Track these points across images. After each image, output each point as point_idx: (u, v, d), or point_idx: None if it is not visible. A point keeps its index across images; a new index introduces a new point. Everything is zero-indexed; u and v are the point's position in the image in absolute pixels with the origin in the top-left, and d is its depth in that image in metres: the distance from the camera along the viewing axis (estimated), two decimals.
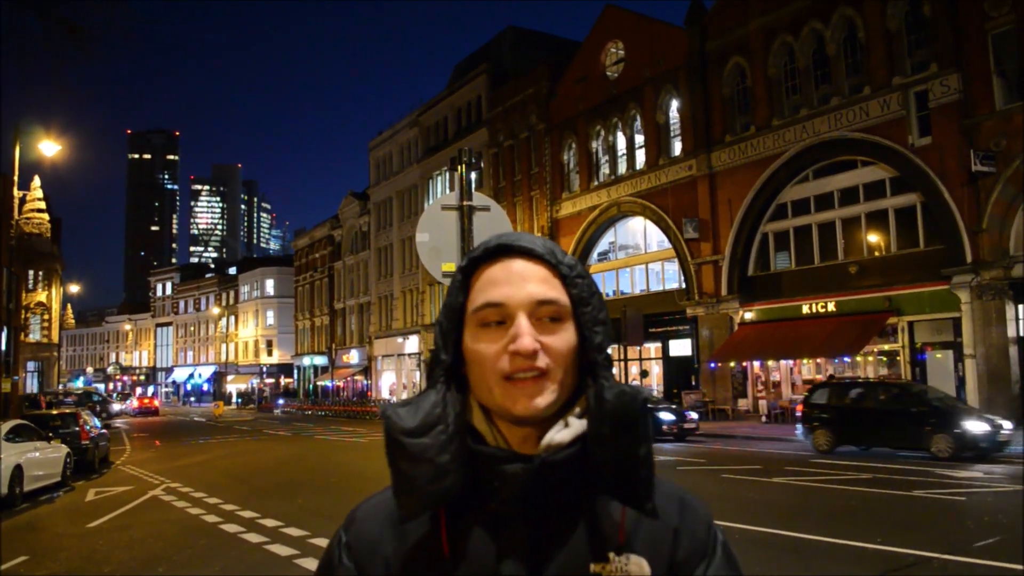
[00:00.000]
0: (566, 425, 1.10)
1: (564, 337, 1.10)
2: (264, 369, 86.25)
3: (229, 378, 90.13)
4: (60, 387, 66.39)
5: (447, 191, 51.08)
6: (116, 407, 65.13)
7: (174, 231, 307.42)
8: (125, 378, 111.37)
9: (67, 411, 22.92)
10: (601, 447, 1.06)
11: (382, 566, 1.14)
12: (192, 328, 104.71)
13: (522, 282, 1.10)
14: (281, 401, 61.54)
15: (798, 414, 21.23)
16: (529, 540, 1.09)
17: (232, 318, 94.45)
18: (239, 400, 76.50)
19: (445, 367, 1.14)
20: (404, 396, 52.87)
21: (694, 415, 25.71)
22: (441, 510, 1.12)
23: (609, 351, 1.13)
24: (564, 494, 1.10)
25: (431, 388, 1.13)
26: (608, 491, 1.08)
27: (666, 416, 24.28)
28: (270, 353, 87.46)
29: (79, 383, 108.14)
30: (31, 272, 51.60)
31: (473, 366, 1.12)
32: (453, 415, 1.10)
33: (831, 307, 27.76)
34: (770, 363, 30.52)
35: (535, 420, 1.09)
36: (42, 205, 48.60)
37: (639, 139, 36.51)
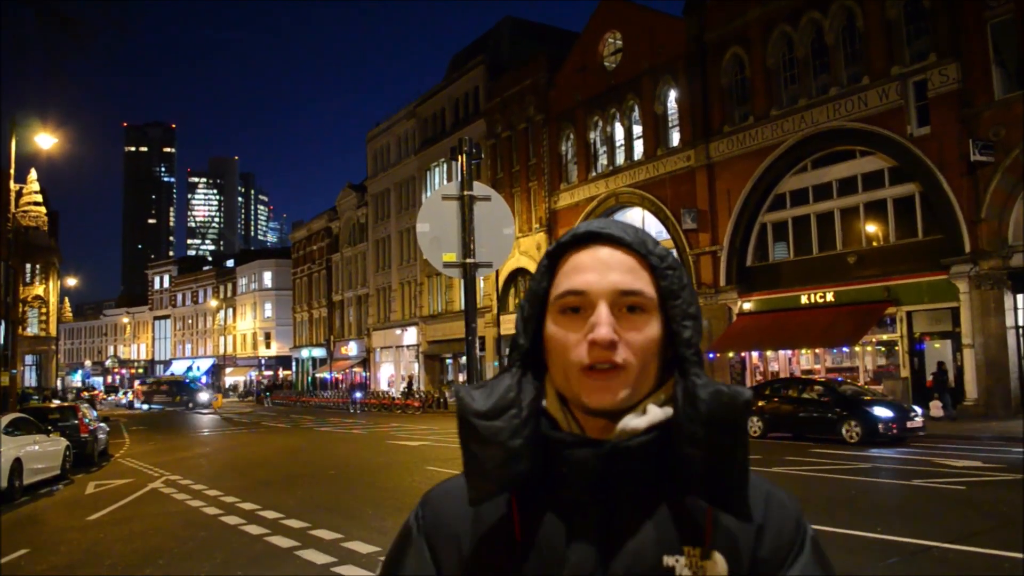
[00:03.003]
0: (643, 412, 1.08)
1: (646, 330, 1.08)
2: (262, 361, 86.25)
3: (228, 371, 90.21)
4: (58, 382, 65.99)
5: (445, 182, 50.88)
6: (204, 397, 61.58)
7: (171, 224, 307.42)
8: (123, 371, 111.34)
9: (66, 404, 22.94)
10: (692, 447, 1.02)
11: (454, 547, 1.14)
12: (190, 321, 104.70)
13: (607, 271, 1.08)
14: (358, 395, 50.42)
15: None
16: (600, 528, 1.07)
17: (230, 311, 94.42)
18: (267, 393, 67.30)
19: (522, 352, 1.13)
20: (403, 387, 52.88)
21: (918, 409, 19.83)
22: (513, 495, 1.12)
23: (699, 346, 1.09)
24: (640, 483, 1.08)
25: (506, 372, 1.13)
26: (697, 492, 1.05)
27: (882, 412, 18.68)
28: (268, 345, 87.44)
29: (77, 377, 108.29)
30: (28, 265, 51.55)
31: (552, 353, 1.10)
32: (527, 400, 1.10)
33: (830, 297, 27.75)
34: (769, 353, 30.53)
35: (609, 413, 1.07)
36: (39, 198, 48.50)
37: (637, 130, 36.44)
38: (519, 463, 1.06)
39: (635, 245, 1.11)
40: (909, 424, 18.74)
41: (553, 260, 1.13)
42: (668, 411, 1.07)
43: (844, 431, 18.82)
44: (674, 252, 27.71)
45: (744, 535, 1.08)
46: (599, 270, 1.08)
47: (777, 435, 20.73)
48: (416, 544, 1.17)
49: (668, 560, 1.05)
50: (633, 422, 1.06)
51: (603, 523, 1.07)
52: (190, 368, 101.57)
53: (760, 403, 21.25)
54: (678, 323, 1.09)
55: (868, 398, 19.78)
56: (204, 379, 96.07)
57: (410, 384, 50.74)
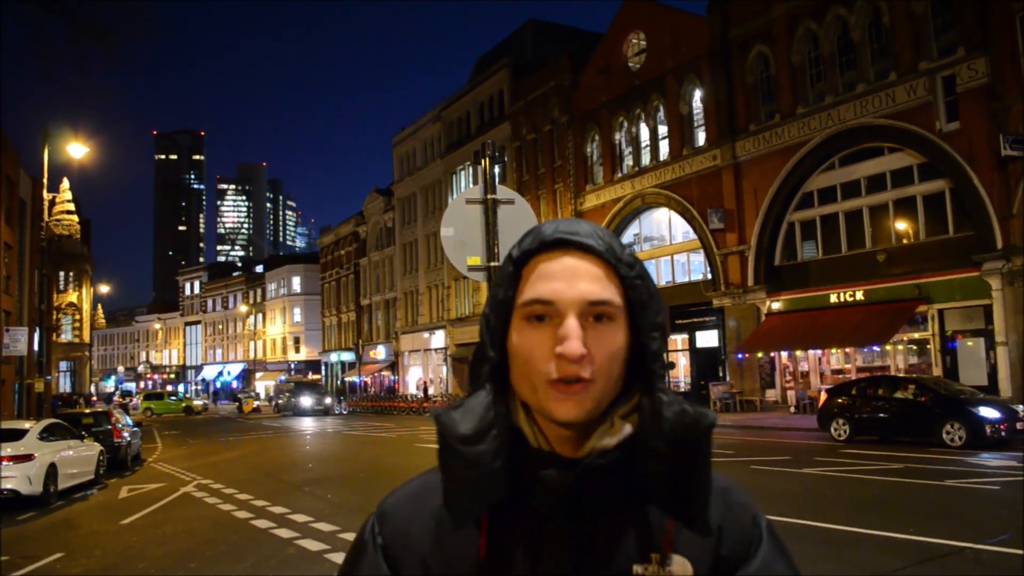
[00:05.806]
0: (611, 425, 1.06)
1: (613, 339, 1.05)
2: (292, 366, 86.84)
3: (258, 375, 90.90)
4: (92, 387, 66.43)
5: (471, 186, 51.04)
6: (307, 402, 53.34)
7: (201, 230, 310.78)
8: (156, 377, 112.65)
9: (99, 409, 23.23)
10: (655, 462, 1.03)
11: (418, 563, 1.11)
12: (220, 326, 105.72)
13: (575, 279, 1.04)
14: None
15: None
16: (570, 542, 1.06)
17: (259, 315, 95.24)
18: (340, 398, 61.83)
19: (493, 364, 1.09)
20: (431, 391, 53.08)
21: (1022, 407, 18.22)
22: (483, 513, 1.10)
23: (664, 358, 1.08)
24: (608, 496, 1.07)
25: (480, 388, 1.09)
26: (658, 504, 1.06)
27: (989, 413, 17.24)
28: (297, 350, 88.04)
29: (110, 382, 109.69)
30: (62, 273, 52.34)
31: (518, 363, 1.06)
32: (502, 417, 1.07)
33: (859, 296, 27.46)
34: (798, 353, 30.24)
35: (576, 426, 1.05)
36: (71, 207, 49.09)
37: (662, 130, 36.31)
38: (501, 483, 1.04)
39: (605, 254, 1.07)
40: (1018, 425, 17.25)
41: (518, 266, 1.09)
42: (631, 426, 1.08)
43: (945, 434, 17.43)
44: (701, 252, 27.28)
45: (706, 536, 1.09)
46: (567, 279, 1.04)
47: (863, 438, 19.45)
48: (370, 559, 1.15)
49: (637, 568, 1.05)
50: (604, 440, 1.05)
51: (572, 536, 1.06)
52: (220, 373, 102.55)
53: (839, 400, 20.32)
54: (647, 334, 1.07)
55: (965, 396, 18.28)
56: (235, 383, 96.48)
57: (425, 390, 51.81)
